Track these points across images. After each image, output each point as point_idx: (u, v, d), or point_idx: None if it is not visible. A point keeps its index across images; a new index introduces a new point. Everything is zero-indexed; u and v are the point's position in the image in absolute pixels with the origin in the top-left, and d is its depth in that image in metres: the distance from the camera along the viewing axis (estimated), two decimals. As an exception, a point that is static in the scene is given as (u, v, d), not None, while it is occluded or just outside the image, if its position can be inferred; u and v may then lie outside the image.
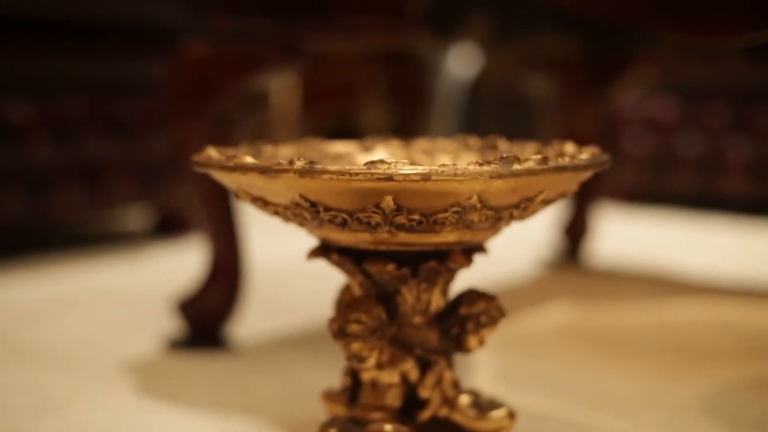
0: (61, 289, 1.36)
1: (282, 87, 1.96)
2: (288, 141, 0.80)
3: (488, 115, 2.49)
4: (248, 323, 1.13)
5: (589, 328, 1.15)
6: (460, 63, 2.52)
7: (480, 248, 0.67)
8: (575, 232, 1.55)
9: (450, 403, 0.70)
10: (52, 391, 0.92)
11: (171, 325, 1.13)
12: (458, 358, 0.86)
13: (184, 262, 1.46)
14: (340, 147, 0.78)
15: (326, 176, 0.56)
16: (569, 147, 0.70)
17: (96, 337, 1.11)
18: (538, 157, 0.58)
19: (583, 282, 1.42)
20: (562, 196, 0.64)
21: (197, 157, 0.63)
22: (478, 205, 0.59)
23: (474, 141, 0.78)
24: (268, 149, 0.73)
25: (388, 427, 0.66)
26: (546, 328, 1.15)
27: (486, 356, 1.00)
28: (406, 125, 2.43)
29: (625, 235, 1.83)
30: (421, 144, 0.79)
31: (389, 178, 0.56)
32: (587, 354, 1.05)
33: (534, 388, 0.93)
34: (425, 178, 0.56)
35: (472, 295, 0.68)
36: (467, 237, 0.63)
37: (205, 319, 1.07)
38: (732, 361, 1.02)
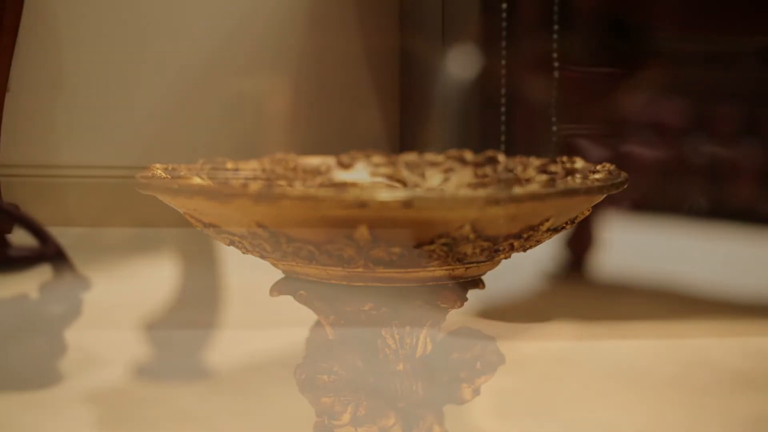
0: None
1: (271, 89, 1.88)
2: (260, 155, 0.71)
3: (488, 119, 2.42)
4: (223, 345, 1.05)
5: (595, 353, 1.08)
6: (460, 64, 2.44)
7: (475, 283, 0.58)
8: (579, 242, 1.49)
9: (441, 464, 0.60)
10: (8, 424, 0.85)
11: (144, 347, 1.05)
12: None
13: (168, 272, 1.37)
14: (314, 162, 0.68)
15: (287, 202, 0.46)
16: (580, 163, 0.61)
17: (62, 360, 1.01)
18: (543, 178, 0.49)
19: (587, 297, 1.36)
20: (572, 222, 0.55)
21: (139, 176, 0.54)
22: (472, 236, 0.49)
23: (470, 155, 0.68)
24: (229, 165, 0.63)
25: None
26: (548, 353, 1.08)
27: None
28: (404, 129, 2.35)
29: (631, 245, 1.75)
30: (408, 158, 0.69)
31: (363, 204, 0.46)
32: (593, 383, 0.97)
33: (534, 425, 0.85)
34: (407, 204, 0.46)
35: (465, 337, 0.59)
36: (459, 272, 0.53)
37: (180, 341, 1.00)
38: (758, 391, 0.95)
